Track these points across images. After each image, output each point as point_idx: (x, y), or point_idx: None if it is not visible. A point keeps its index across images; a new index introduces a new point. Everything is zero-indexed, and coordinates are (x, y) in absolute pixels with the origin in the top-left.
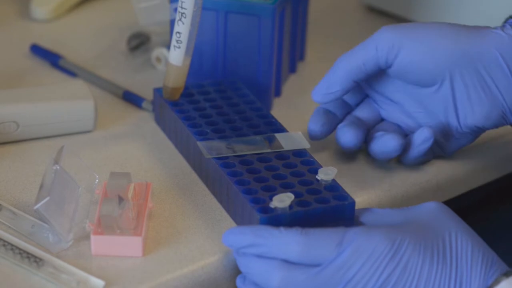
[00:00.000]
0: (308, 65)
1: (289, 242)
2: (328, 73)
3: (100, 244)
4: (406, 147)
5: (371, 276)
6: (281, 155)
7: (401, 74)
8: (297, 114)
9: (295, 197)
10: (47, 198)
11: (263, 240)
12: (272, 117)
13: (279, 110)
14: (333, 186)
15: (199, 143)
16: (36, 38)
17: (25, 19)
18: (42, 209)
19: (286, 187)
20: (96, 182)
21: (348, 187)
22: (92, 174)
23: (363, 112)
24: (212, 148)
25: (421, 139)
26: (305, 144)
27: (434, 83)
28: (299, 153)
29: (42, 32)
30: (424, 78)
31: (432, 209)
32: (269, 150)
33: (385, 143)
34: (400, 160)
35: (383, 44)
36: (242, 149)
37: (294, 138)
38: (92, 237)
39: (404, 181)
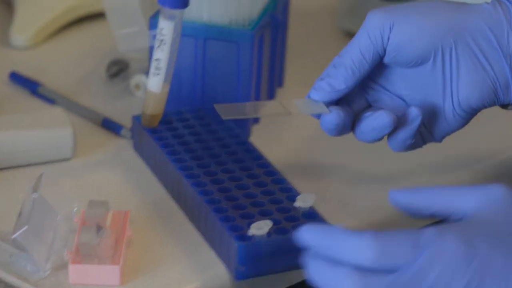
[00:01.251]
0: (287, 91)
1: (362, 246)
2: (329, 70)
3: (78, 273)
4: (394, 129)
5: (450, 280)
6: (259, 183)
7: (393, 57)
8: (276, 141)
9: (273, 224)
10: (26, 227)
11: (336, 243)
12: (250, 144)
13: (258, 137)
14: (311, 213)
15: (216, 106)
16: (16, 65)
17: (4, 46)
18: (21, 238)
19: (265, 214)
20: (74, 210)
21: (328, 210)
22: (70, 202)
23: (349, 98)
24: (228, 112)
25: (410, 118)
26: (324, 110)
27: (425, 61)
28: (277, 180)
29: (21, 59)
30: (415, 56)
31: (502, 195)
32: (287, 113)
33: (376, 119)
34: (389, 144)
35: (374, 30)
36: (259, 112)
37: (313, 104)
38: (70, 266)
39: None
